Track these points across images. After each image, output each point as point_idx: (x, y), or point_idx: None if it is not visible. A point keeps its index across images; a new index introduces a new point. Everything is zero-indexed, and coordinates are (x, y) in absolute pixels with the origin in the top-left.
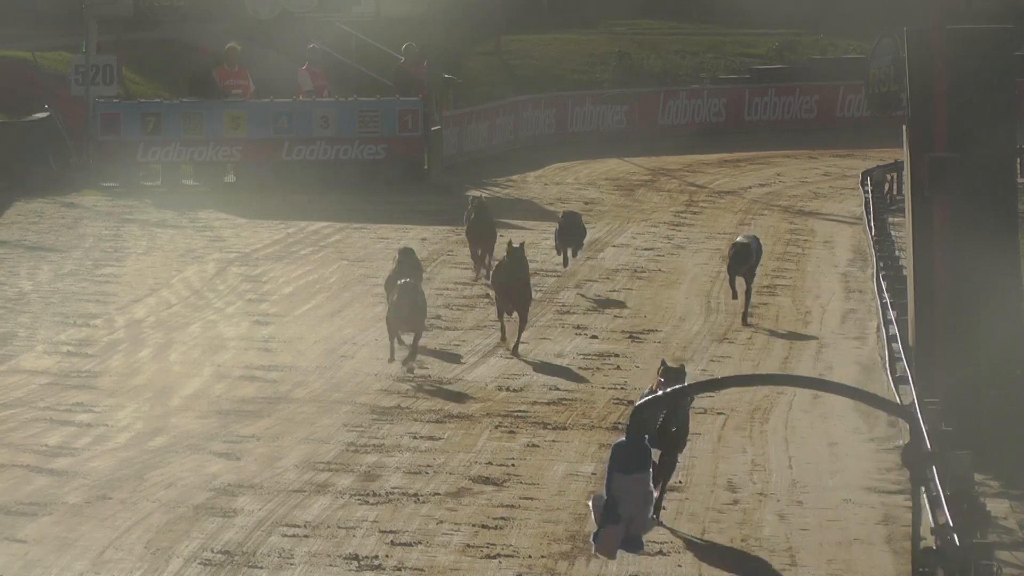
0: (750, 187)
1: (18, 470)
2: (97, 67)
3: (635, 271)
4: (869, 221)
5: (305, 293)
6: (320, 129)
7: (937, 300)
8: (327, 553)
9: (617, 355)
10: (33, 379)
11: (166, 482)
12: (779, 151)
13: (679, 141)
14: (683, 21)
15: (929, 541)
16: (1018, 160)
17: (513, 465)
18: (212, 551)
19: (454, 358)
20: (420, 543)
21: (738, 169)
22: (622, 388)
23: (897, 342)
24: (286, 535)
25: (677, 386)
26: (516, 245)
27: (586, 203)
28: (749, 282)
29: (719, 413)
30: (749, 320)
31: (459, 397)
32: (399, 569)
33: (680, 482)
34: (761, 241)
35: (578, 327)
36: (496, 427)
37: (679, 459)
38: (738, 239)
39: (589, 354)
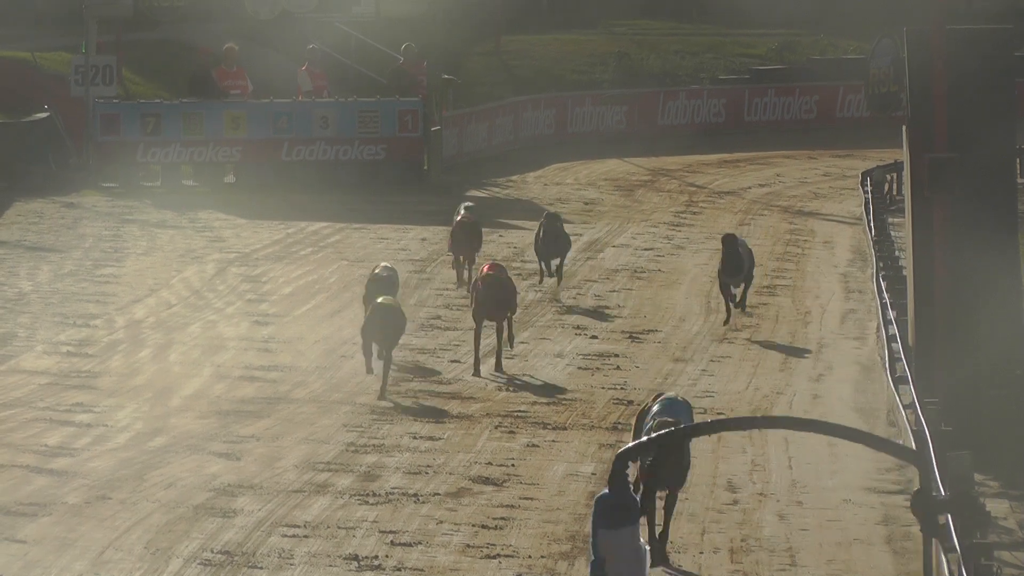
0: (750, 187)
1: (18, 470)
2: (97, 67)
3: (635, 271)
4: (869, 221)
5: (305, 293)
6: (320, 129)
7: (937, 300)
8: (327, 553)
9: (617, 355)
10: (33, 379)
11: (166, 482)
12: (779, 151)
13: (679, 141)
14: (683, 21)
15: None
16: (1018, 160)
17: (513, 465)
18: (212, 551)
19: (454, 358)
20: (420, 543)
21: (738, 169)
22: (622, 388)
23: (897, 342)
24: (286, 535)
25: (664, 430)
26: (499, 273)
27: (586, 203)
28: (747, 287)
29: (719, 413)
30: (747, 311)
31: (459, 397)
32: (399, 569)
33: None
34: (751, 247)
35: (578, 327)
36: (496, 427)
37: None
38: (726, 244)
39: (589, 354)
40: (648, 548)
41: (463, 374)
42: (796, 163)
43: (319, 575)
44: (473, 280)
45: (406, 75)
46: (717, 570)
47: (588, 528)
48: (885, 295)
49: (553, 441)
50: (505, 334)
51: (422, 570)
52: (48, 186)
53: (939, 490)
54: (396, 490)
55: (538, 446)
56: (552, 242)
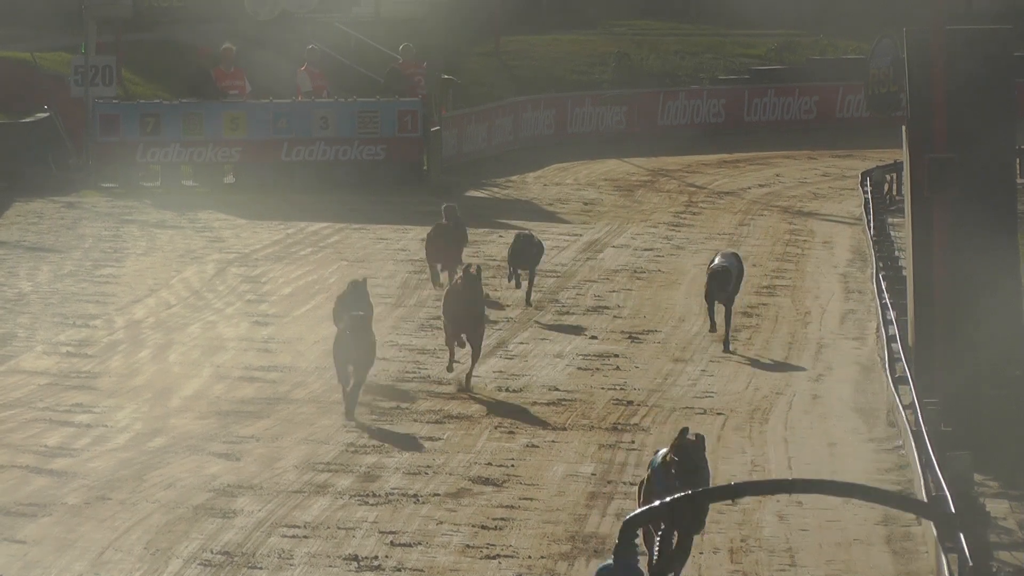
0: (749, 188)
1: (18, 471)
2: (96, 68)
3: (635, 271)
4: (868, 221)
5: (304, 294)
6: (319, 130)
7: (937, 300)
8: (327, 554)
9: (617, 355)
10: (32, 380)
11: (165, 483)
12: (778, 152)
13: (678, 142)
14: (682, 22)
15: None
16: (1018, 160)
17: (513, 466)
18: (212, 552)
19: (454, 358)
20: (420, 544)
21: (737, 170)
22: (622, 388)
23: (897, 342)
24: (286, 536)
25: (679, 495)
26: (473, 272)
27: (585, 204)
28: (728, 306)
29: (719, 414)
30: (731, 347)
31: (459, 397)
32: (399, 570)
33: None
34: (742, 259)
35: (578, 327)
36: (496, 427)
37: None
38: (715, 262)
39: (589, 354)
40: None
41: (463, 374)
42: (796, 163)
43: (319, 575)
44: (446, 290)
45: (402, 76)
46: (717, 570)
47: (588, 528)
48: (885, 295)
49: (553, 441)
50: (469, 368)
51: (422, 570)
52: (48, 186)
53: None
54: (396, 490)
55: (538, 446)
56: (520, 251)
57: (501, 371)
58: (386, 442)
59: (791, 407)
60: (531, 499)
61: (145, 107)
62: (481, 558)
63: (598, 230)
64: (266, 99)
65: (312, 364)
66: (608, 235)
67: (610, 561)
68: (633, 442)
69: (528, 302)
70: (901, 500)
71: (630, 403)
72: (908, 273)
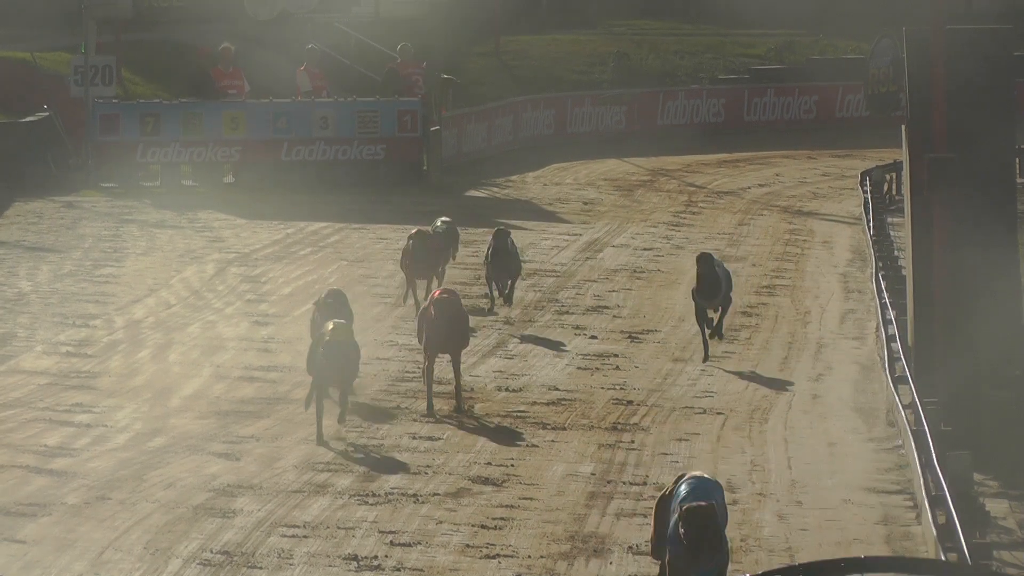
0: (749, 187)
1: (17, 470)
2: (96, 68)
3: (634, 271)
4: (868, 221)
5: (304, 293)
6: (319, 130)
7: (937, 300)
8: (326, 553)
9: (616, 355)
10: (32, 379)
11: (165, 483)
12: (778, 151)
13: (678, 141)
14: (682, 21)
15: None
16: (1018, 160)
17: (512, 465)
18: (211, 552)
19: None
20: (419, 543)
21: (737, 169)
22: (621, 388)
23: (896, 342)
24: (285, 535)
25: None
26: (452, 298)
27: (585, 203)
28: (724, 312)
29: (718, 413)
30: (716, 344)
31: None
32: (398, 569)
33: None
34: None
35: (577, 327)
36: (496, 427)
37: None
38: (702, 271)
39: (588, 354)
40: None
41: (463, 374)
42: (795, 163)
43: (318, 575)
44: (422, 307)
45: (399, 76)
46: None
47: (587, 528)
48: (884, 295)
49: (552, 441)
50: (453, 385)
51: (421, 570)
52: (47, 186)
53: None
54: (395, 490)
55: (537, 446)
56: (502, 262)
57: (501, 371)
58: (386, 442)
59: (791, 407)
60: (531, 499)
61: (145, 107)
62: (481, 558)
63: (598, 230)
64: (266, 99)
65: None
66: (608, 235)
67: None
68: (633, 442)
69: (509, 303)
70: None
71: (630, 403)
72: (908, 273)
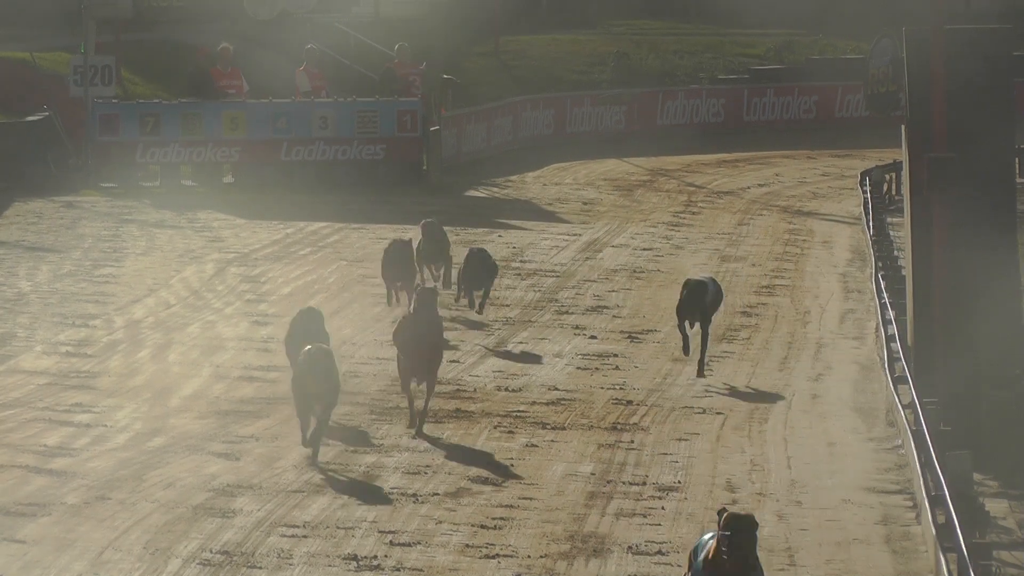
0: (749, 187)
1: (17, 470)
2: (96, 68)
3: (634, 271)
4: (868, 221)
5: (304, 293)
6: (319, 129)
7: (936, 300)
8: (326, 553)
9: (616, 355)
10: (32, 379)
11: (165, 482)
12: (778, 151)
13: (678, 141)
14: (682, 21)
15: None
16: (1018, 160)
17: (512, 465)
18: (211, 551)
19: (453, 358)
20: (419, 543)
21: (737, 169)
22: (621, 388)
23: (896, 342)
24: (285, 535)
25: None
26: (429, 286)
27: (585, 203)
28: (705, 327)
29: (718, 413)
30: (707, 372)
31: (458, 397)
32: (398, 569)
33: (679, 482)
34: (721, 286)
35: (577, 327)
36: (495, 427)
37: None
38: (692, 277)
39: (588, 354)
40: None
41: (462, 374)
42: (795, 163)
43: (318, 575)
44: (400, 318)
45: (397, 76)
46: None
47: (587, 528)
48: (884, 295)
49: (552, 441)
50: (423, 402)
51: (421, 570)
52: (47, 186)
53: None
54: (395, 490)
55: (537, 446)
56: (472, 270)
57: (500, 371)
58: (385, 442)
59: (790, 407)
60: (530, 499)
61: (144, 107)
62: (480, 557)
63: (597, 230)
64: (265, 99)
65: None
66: (607, 235)
67: None
68: (632, 442)
69: (480, 311)
70: None
71: (629, 403)
72: (907, 273)
